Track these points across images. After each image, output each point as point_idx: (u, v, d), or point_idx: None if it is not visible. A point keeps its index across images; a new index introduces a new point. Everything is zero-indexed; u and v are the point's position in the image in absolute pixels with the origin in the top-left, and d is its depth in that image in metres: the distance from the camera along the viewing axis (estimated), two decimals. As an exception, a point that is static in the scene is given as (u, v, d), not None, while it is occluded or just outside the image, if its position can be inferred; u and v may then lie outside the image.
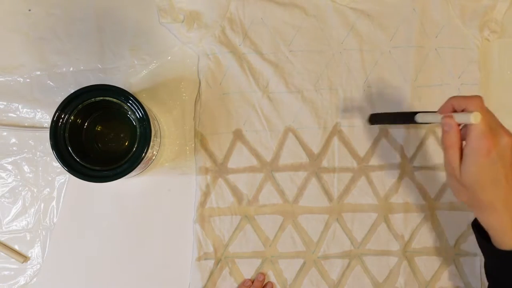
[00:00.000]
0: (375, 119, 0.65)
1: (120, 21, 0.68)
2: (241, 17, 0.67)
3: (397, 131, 0.67)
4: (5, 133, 0.67)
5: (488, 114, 0.46)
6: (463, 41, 0.69)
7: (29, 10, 0.68)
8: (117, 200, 0.67)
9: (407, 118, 0.56)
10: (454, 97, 0.48)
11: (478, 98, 0.46)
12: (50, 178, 0.67)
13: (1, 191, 0.67)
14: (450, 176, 0.49)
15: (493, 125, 0.46)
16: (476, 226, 0.52)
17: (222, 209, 0.66)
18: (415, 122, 0.54)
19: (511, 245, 0.48)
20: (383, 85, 0.68)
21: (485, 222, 0.49)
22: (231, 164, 0.67)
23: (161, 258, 0.66)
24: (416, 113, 0.54)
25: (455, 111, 0.48)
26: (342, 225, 0.66)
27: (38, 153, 0.67)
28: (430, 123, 0.53)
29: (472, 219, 0.68)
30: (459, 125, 0.47)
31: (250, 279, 0.65)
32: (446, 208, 0.67)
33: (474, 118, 0.44)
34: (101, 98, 0.58)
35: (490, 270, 0.54)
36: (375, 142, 0.67)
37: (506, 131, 0.47)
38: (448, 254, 0.66)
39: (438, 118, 0.49)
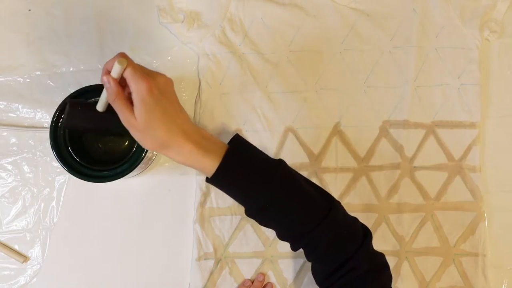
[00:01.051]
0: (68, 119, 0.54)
1: (120, 21, 0.68)
2: (241, 17, 0.67)
3: (397, 131, 0.68)
4: (5, 133, 0.67)
5: (138, 65, 0.48)
6: (463, 41, 0.69)
7: (29, 10, 0.68)
8: (117, 200, 0.67)
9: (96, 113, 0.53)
10: (106, 62, 0.49)
11: (121, 52, 0.48)
12: (50, 178, 0.67)
13: (1, 191, 0.67)
14: (130, 127, 0.49)
15: (146, 71, 0.48)
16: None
17: (222, 209, 0.66)
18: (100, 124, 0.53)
19: (212, 168, 0.49)
20: (383, 85, 0.68)
21: (178, 160, 0.49)
22: (231, 164, 0.67)
23: (161, 258, 0.66)
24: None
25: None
26: (342, 225, 0.66)
27: (38, 153, 0.67)
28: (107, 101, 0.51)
29: (471, 219, 0.68)
30: (120, 82, 0.48)
31: (250, 279, 0.65)
32: (446, 208, 0.67)
33: (119, 62, 0.46)
34: (101, 98, 0.58)
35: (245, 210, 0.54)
36: (375, 142, 0.67)
37: (161, 73, 0.49)
38: (449, 254, 0.66)
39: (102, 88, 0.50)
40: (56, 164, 0.66)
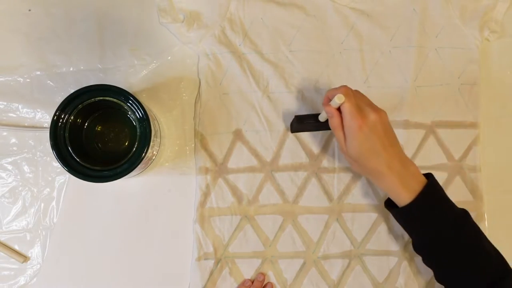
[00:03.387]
0: (296, 126, 0.65)
1: (120, 21, 0.68)
2: (241, 17, 0.67)
3: (397, 131, 0.67)
4: (5, 133, 0.67)
5: (355, 97, 0.55)
6: (463, 41, 0.69)
7: (29, 10, 0.68)
8: (117, 200, 0.67)
9: (316, 120, 0.62)
10: (329, 90, 0.57)
11: (343, 86, 0.55)
12: (50, 178, 0.67)
13: (1, 191, 0.67)
14: (343, 153, 0.58)
15: (361, 105, 0.55)
16: (389, 205, 0.59)
17: (222, 209, 0.66)
18: (323, 126, 0.61)
19: (405, 201, 0.55)
20: (383, 85, 0.68)
21: (380, 187, 0.57)
22: (231, 164, 0.67)
23: (161, 258, 0.66)
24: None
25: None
26: (342, 225, 0.66)
27: (38, 153, 0.67)
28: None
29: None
30: (338, 109, 0.56)
31: (250, 279, 0.65)
32: (446, 208, 0.67)
33: (338, 99, 0.53)
34: (101, 98, 0.58)
35: (414, 243, 0.59)
36: (375, 142, 0.67)
37: (375, 108, 0.55)
38: (448, 254, 0.66)
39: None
40: (56, 164, 0.66)
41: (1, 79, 0.67)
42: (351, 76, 0.68)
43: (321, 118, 0.61)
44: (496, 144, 0.69)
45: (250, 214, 0.66)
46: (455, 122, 0.68)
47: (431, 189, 0.55)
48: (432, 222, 0.55)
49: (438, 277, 0.58)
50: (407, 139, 0.67)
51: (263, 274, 0.65)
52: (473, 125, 0.68)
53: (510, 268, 0.54)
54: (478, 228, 0.56)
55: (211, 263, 0.65)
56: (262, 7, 0.67)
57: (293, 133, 0.67)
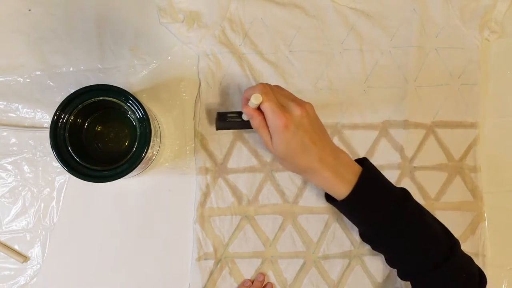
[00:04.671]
0: (219, 123, 0.61)
1: (120, 21, 0.68)
2: (241, 17, 0.67)
3: (397, 131, 0.68)
4: (5, 133, 0.67)
5: (275, 94, 0.52)
6: (463, 41, 0.69)
7: (29, 10, 0.68)
8: (117, 200, 0.67)
9: (244, 120, 0.58)
10: (246, 90, 0.54)
11: (260, 84, 0.52)
12: (50, 178, 0.67)
13: (1, 191, 0.67)
14: (270, 151, 0.54)
15: (283, 101, 0.52)
16: (329, 197, 0.57)
17: (222, 209, 0.66)
18: (249, 125, 0.56)
19: (343, 194, 0.53)
20: (383, 85, 0.68)
21: (314, 183, 0.55)
22: (231, 164, 0.67)
23: (161, 258, 0.66)
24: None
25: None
26: (342, 225, 0.66)
27: (38, 153, 0.67)
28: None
29: (471, 219, 0.68)
30: (259, 108, 0.52)
31: (250, 279, 0.65)
32: (446, 208, 0.67)
33: (254, 99, 0.50)
34: (101, 98, 0.58)
35: (360, 233, 0.59)
36: (375, 142, 0.67)
37: (298, 102, 0.52)
38: (448, 254, 0.66)
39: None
40: (56, 164, 0.66)
41: (1, 79, 0.67)
42: (351, 76, 0.68)
43: (245, 116, 0.57)
44: (496, 144, 0.69)
45: (250, 214, 0.66)
46: (455, 122, 0.68)
47: (367, 178, 0.53)
48: (373, 211, 0.53)
49: (388, 262, 0.57)
50: (407, 139, 0.67)
51: (263, 274, 0.65)
52: (473, 125, 0.68)
53: (455, 246, 0.53)
54: (421, 206, 0.55)
55: (211, 263, 0.65)
56: (262, 7, 0.67)
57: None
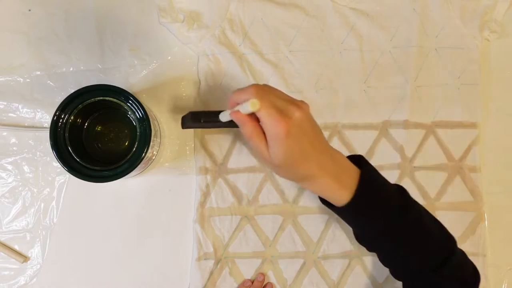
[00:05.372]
0: (189, 123, 0.57)
1: (120, 21, 0.68)
2: (241, 18, 0.67)
3: (397, 131, 0.68)
4: (5, 133, 0.67)
5: (271, 97, 0.46)
6: (463, 41, 0.69)
7: (29, 10, 0.68)
8: (117, 200, 0.67)
9: (216, 119, 0.54)
10: (233, 91, 0.48)
11: (251, 86, 0.46)
12: (50, 178, 0.67)
13: (1, 191, 0.67)
14: (263, 161, 0.50)
15: (280, 105, 0.46)
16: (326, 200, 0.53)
17: (222, 209, 0.66)
18: (223, 125, 0.52)
19: (344, 200, 0.49)
20: (383, 85, 0.68)
21: (314, 191, 0.50)
22: (231, 164, 0.67)
23: (161, 258, 0.66)
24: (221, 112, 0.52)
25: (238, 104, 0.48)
26: (342, 225, 0.66)
27: (38, 153, 0.67)
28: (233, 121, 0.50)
29: (471, 219, 0.68)
30: (252, 114, 0.46)
31: (250, 280, 0.65)
32: (446, 208, 0.67)
33: (251, 106, 0.44)
34: (101, 98, 0.58)
35: (358, 236, 0.55)
36: (375, 142, 0.67)
37: (295, 102, 0.47)
38: (448, 254, 0.66)
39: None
40: (56, 164, 0.66)
41: (1, 79, 0.67)
42: (351, 76, 0.68)
43: (223, 117, 0.52)
44: (496, 144, 0.69)
45: (250, 214, 0.66)
46: (455, 122, 0.68)
47: (367, 181, 0.50)
48: (373, 216, 0.50)
49: (383, 261, 0.55)
50: (407, 139, 0.67)
51: (263, 275, 0.65)
52: (473, 125, 0.68)
53: (453, 247, 0.53)
54: (420, 207, 0.53)
55: (211, 263, 0.65)
56: (262, 7, 0.67)
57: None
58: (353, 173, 0.50)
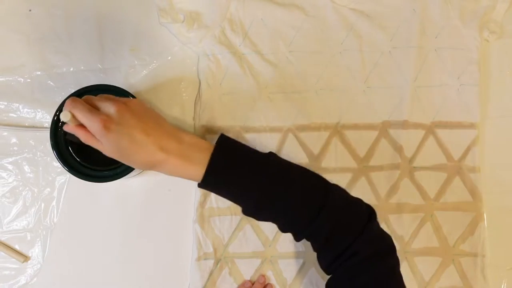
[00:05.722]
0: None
1: (120, 21, 0.68)
2: (241, 18, 0.67)
3: (397, 131, 0.68)
4: (5, 133, 0.67)
5: (87, 102, 0.49)
6: (462, 41, 0.69)
7: (30, 11, 0.68)
8: (117, 200, 0.67)
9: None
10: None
11: (67, 100, 0.49)
12: (50, 178, 0.67)
13: (1, 191, 0.67)
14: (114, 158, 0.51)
15: (96, 104, 0.49)
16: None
17: (222, 209, 0.66)
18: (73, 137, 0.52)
19: (199, 175, 0.50)
20: (383, 85, 0.68)
21: (168, 173, 0.51)
22: (231, 164, 0.67)
23: (161, 258, 0.66)
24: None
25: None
26: (342, 225, 0.66)
27: (38, 153, 0.67)
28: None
29: (471, 219, 0.68)
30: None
31: (250, 281, 0.66)
32: (445, 208, 0.67)
33: (63, 117, 0.48)
34: (101, 98, 0.58)
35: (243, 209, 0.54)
36: (375, 143, 0.68)
37: (116, 100, 0.49)
38: (448, 254, 0.66)
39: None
40: (57, 164, 0.66)
41: (2, 79, 0.67)
42: (351, 76, 0.68)
43: (68, 131, 0.53)
44: (496, 144, 0.69)
45: (250, 214, 0.66)
46: (454, 123, 0.68)
47: (220, 153, 0.50)
48: (235, 183, 0.50)
49: (279, 228, 0.54)
50: (407, 139, 0.67)
51: (264, 276, 0.65)
52: (472, 126, 0.68)
53: (329, 183, 0.51)
54: (285, 162, 0.52)
55: (211, 263, 0.66)
56: (262, 7, 0.68)
57: (293, 134, 0.66)
58: (203, 147, 0.51)
